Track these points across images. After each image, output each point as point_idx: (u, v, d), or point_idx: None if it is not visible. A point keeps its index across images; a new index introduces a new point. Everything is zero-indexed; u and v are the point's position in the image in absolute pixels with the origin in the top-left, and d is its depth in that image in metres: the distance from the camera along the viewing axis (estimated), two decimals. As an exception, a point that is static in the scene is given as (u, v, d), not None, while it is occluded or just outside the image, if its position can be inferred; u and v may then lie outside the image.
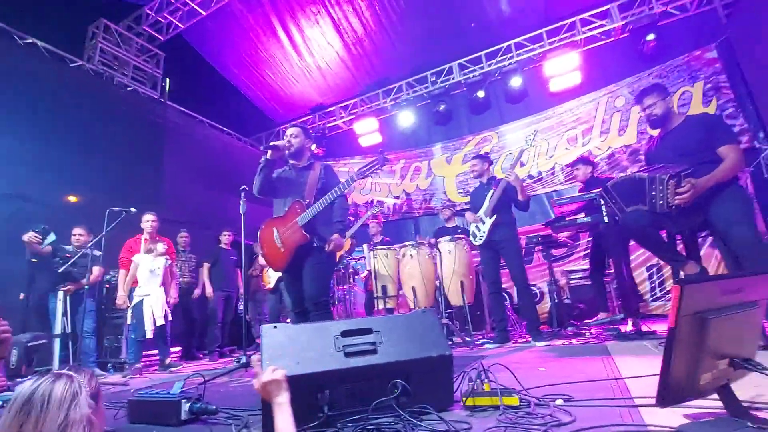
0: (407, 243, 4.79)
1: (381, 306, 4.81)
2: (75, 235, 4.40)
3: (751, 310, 1.18)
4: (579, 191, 4.40)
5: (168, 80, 7.32)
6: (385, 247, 4.98)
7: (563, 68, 6.67)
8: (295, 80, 8.32)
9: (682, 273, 2.46)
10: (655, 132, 2.78)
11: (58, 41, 5.91)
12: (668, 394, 1.00)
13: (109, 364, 4.71)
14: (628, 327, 3.65)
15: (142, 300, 4.25)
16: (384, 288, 4.81)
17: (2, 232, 4.38)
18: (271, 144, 2.76)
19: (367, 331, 1.57)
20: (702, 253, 4.07)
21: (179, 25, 6.98)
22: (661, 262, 5.09)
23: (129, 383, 3.51)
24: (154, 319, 4.22)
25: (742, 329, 1.16)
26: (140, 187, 6.14)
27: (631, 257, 4.59)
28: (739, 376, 1.16)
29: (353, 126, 8.40)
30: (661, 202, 2.31)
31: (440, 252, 4.44)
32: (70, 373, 1.02)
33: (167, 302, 4.47)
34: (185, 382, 1.89)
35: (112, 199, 4.62)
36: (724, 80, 5.79)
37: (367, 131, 8.23)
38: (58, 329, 4.06)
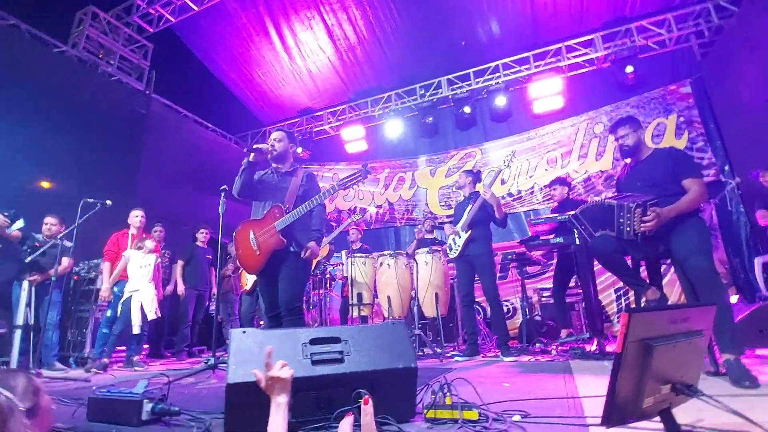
0: (385, 252, 4.83)
1: (356, 313, 4.82)
2: (47, 224, 4.28)
3: (695, 339, 1.26)
4: (552, 211, 4.55)
5: (154, 72, 7.23)
6: (363, 254, 5.01)
7: (547, 91, 6.91)
8: (285, 82, 8.33)
9: (643, 298, 2.58)
10: (628, 161, 2.92)
11: (42, 25, 5.78)
12: (613, 415, 1.06)
13: (72, 358, 4.57)
14: (593, 347, 3.77)
15: (132, 296, 4.18)
16: (360, 295, 4.83)
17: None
18: (254, 146, 2.76)
19: (336, 340, 1.60)
20: (666, 280, 4.26)
21: (170, 18, 6.91)
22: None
23: (91, 380, 3.42)
24: (144, 315, 4.16)
25: (686, 356, 1.24)
26: (117, 179, 6.02)
27: (599, 279, 4.75)
28: (681, 401, 1.24)
29: (340, 132, 8.44)
30: (628, 229, 2.42)
31: (417, 263, 4.50)
32: None
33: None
34: (149, 382, 1.86)
35: (86, 188, 4.53)
36: (696, 115, 6.09)
37: (354, 138, 8.29)
38: (20, 320, 3.92)
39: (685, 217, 2.41)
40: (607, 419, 1.06)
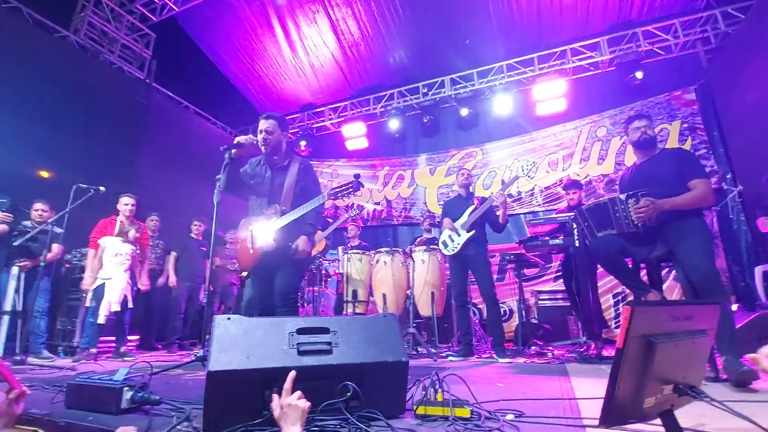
0: (382, 249, 4.77)
1: (350, 310, 4.76)
2: (37, 209, 4.22)
3: (698, 339, 1.20)
4: (557, 213, 4.47)
5: (156, 62, 7.18)
6: (359, 251, 4.95)
7: (550, 94, 6.84)
8: (287, 76, 8.28)
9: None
10: (629, 162, 2.87)
11: (44, 9, 5.72)
12: (612, 415, 1.00)
13: (60, 348, 4.50)
14: (590, 350, 3.71)
15: (104, 283, 4.11)
16: (355, 292, 4.77)
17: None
18: (235, 141, 2.57)
19: (324, 331, 1.53)
20: (666, 285, 4.20)
21: (174, 8, 6.86)
22: (627, 290, 5.21)
23: (77, 368, 3.35)
24: (110, 304, 4.07)
25: (689, 356, 1.18)
26: (115, 167, 5.95)
27: (600, 283, 4.67)
28: (683, 403, 1.18)
29: (341, 129, 8.37)
30: (626, 221, 2.40)
31: (414, 261, 4.44)
32: None
33: (133, 289, 4.34)
34: (131, 370, 1.80)
35: (82, 176, 4.44)
36: (700, 122, 6.03)
37: (355, 135, 8.22)
38: (8, 305, 3.87)
39: (688, 216, 2.37)
40: (606, 419, 1.00)
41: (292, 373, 1.25)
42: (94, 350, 3.98)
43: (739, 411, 1.14)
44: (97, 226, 4.51)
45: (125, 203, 4.54)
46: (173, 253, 5.33)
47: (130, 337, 4.67)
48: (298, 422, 1.15)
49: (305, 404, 1.18)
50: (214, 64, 8.10)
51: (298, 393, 1.21)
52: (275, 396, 1.21)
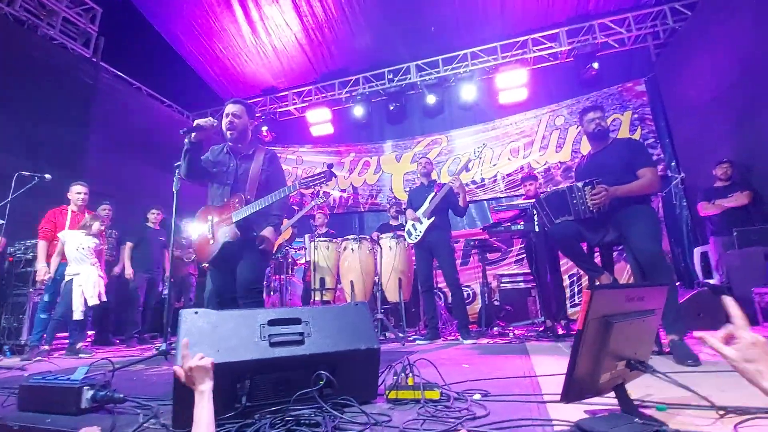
0: (349, 236, 4.77)
1: (318, 298, 4.76)
2: (-27, 199, 3.87)
3: (648, 317, 1.30)
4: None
5: (103, 39, 6.68)
6: (326, 239, 4.93)
7: (512, 83, 7.00)
8: (248, 58, 7.95)
9: (597, 282, 2.69)
10: (585, 151, 3.01)
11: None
12: (572, 392, 1.08)
13: (6, 347, 4.21)
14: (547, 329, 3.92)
15: (72, 279, 3.89)
16: (322, 280, 4.77)
17: None
18: (194, 124, 2.44)
19: (296, 321, 1.53)
20: (616, 266, 4.48)
21: (121, -20, 6.38)
22: (581, 272, 5.53)
23: (27, 368, 3.16)
24: (86, 299, 3.87)
25: (640, 334, 1.28)
26: (60, 153, 5.55)
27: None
28: (633, 377, 1.28)
29: (306, 114, 8.19)
30: (582, 207, 2.54)
31: (381, 248, 4.48)
32: None
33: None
34: (91, 368, 1.73)
35: (23, 162, 4.12)
36: (649, 113, 6.40)
37: (320, 121, 8.07)
38: (-57, 304, 3.56)
39: (638, 202, 2.53)
40: (567, 395, 1.08)
41: (185, 340, 1.26)
42: (46, 347, 3.76)
43: (682, 382, 1.26)
44: (47, 216, 4.22)
45: (77, 192, 4.27)
46: (129, 244, 5.08)
47: (85, 333, 4.44)
48: (206, 378, 1.20)
49: (208, 361, 1.22)
50: (168, 43, 7.63)
51: (199, 354, 1.23)
52: (176, 368, 1.22)
